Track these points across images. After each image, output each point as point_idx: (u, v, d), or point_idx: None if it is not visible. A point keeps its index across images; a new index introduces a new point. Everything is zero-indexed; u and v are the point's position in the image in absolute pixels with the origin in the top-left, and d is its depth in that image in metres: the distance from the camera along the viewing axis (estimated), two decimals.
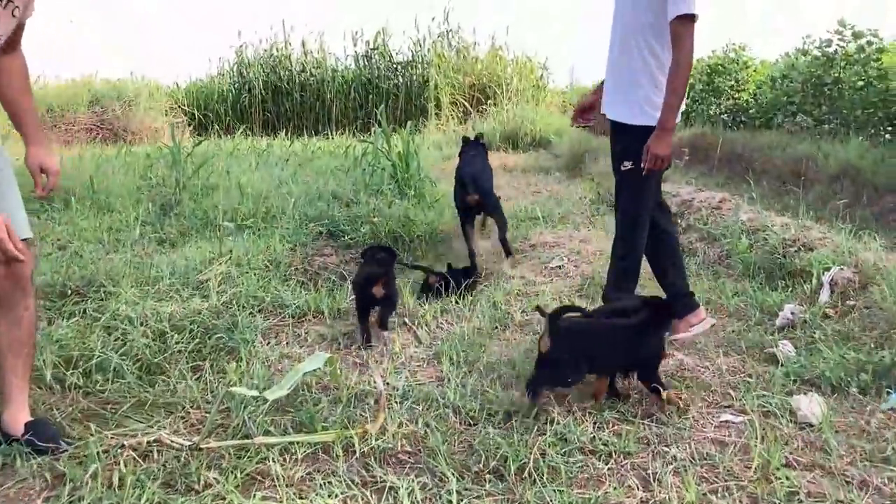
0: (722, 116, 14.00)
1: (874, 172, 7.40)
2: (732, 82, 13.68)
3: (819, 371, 3.19)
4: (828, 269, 4.27)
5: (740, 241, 5.19)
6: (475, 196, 5.77)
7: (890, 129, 9.27)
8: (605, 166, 10.13)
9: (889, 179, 7.15)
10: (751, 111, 12.81)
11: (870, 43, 9.36)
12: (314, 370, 2.90)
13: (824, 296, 4.10)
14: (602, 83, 4.00)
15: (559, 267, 5.38)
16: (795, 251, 4.81)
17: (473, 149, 6.49)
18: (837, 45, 9.87)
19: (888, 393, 3.00)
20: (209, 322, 3.76)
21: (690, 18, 3.35)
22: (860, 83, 9.39)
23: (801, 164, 8.82)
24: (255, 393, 2.67)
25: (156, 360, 3.37)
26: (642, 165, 3.53)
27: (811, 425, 2.75)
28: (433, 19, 21.48)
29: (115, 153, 11.76)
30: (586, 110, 4.26)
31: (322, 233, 6.39)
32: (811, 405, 2.79)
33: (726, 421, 2.82)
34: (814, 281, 4.26)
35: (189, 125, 22.12)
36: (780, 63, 12.72)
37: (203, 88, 23.84)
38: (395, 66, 21.98)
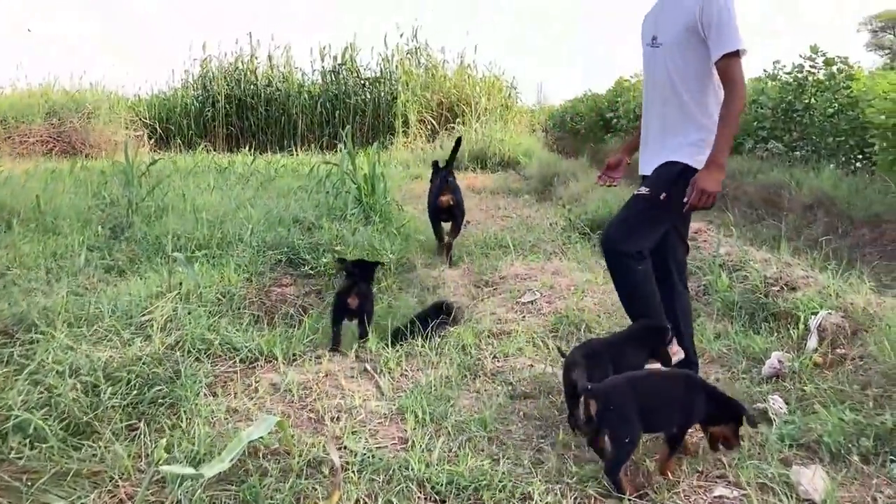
0: None
1: (849, 203, 7.27)
2: None
3: (816, 435, 2.93)
4: (815, 313, 4.05)
5: (720, 279, 4.97)
6: (449, 197, 6.72)
7: (861, 157, 9.19)
8: (574, 190, 9.94)
9: (864, 211, 7.01)
10: None
11: (840, 70, 9.29)
12: (261, 437, 2.58)
13: (812, 343, 3.87)
14: (629, 141, 3.84)
15: (531, 302, 5.11)
16: (778, 290, 4.59)
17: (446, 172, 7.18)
18: (808, 70, 9.81)
19: (892, 461, 2.75)
20: (149, 371, 3.40)
21: (738, 54, 3.15)
22: (830, 110, 9.31)
23: (774, 192, 8.69)
24: (190, 471, 2.32)
25: (85, 418, 3.00)
26: (685, 200, 3.19)
27: (813, 502, 2.49)
28: (401, 36, 21.26)
29: (68, 169, 11.30)
30: (613, 168, 3.94)
31: (281, 261, 6.05)
32: (814, 479, 2.53)
33: (720, 496, 2.55)
34: (800, 326, 4.03)
35: (150, 139, 21.61)
36: (749, 87, 12.67)
37: (166, 101, 23.36)
38: (362, 81, 21.73)
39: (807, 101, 9.88)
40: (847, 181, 7.92)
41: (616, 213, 3.65)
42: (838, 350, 3.74)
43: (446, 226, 6.90)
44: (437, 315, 4.51)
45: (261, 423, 2.55)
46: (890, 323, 3.63)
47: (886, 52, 38.08)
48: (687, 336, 3.56)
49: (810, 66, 9.73)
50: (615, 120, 17.58)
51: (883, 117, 7.63)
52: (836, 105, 9.20)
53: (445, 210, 6.78)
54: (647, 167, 3.53)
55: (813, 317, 4.02)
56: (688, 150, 3.29)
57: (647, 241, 3.34)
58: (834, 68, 9.39)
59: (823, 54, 9.52)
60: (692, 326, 3.68)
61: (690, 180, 3.16)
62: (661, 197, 3.26)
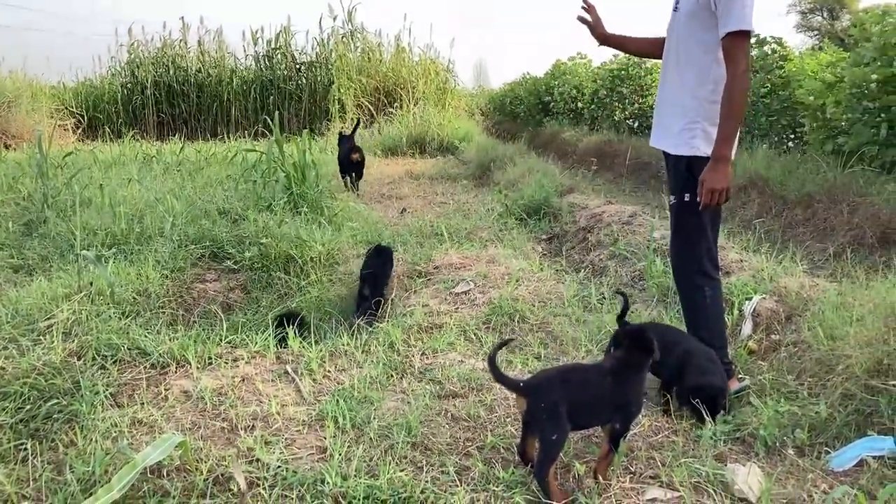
0: (627, 122, 13.95)
1: (782, 183, 7.29)
2: (636, 87, 13.65)
3: (751, 428, 2.84)
4: (749, 298, 3.98)
5: (654, 264, 4.88)
6: (358, 155, 9.88)
7: (792, 136, 9.28)
8: (512, 175, 9.83)
9: (797, 191, 7.04)
10: None
11: (773, 51, 9.33)
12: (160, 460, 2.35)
13: (747, 329, 3.80)
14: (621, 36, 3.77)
15: (465, 293, 4.94)
16: None
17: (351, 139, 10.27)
18: None
19: (827, 452, 2.68)
20: (46, 382, 3.13)
21: (744, 35, 3.00)
22: (763, 90, 9.35)
23: None
24: None
25: None
26: (698, 200, 3.16)
27: (748, 501, 2.38)
28: (335, 19, 20.78)
29: None
30: (592, 28, 3.80)
31: (204, 255, 5.77)
32: (749, 477, 2.43)
33: (653, 499, 2.42)
34: (735, 312, 3.96)
35: (78, 128, 20.77)
36: None
37: (93, 89, 22.49)
38: (297, 66, 21.23)
39: None
40: (780, 161, 7.95)
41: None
42: (772, 336, 3.68)
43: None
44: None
45: (159, 445, 2.34)
46: (823, 307, 3.57)
47: (815, 33, 39.01)
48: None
49: None
50: (552, 103, 17.56)
51: (812, 98, 7.69)
52: (769, 85, 9.25)
53: (355, 164, 9.88)
54: (653, 137, 3.54)
55: (747, 302, 3.95)
56: (684, 136, 3.24)
57: (702, 246, 3.33)
58: (767, 48, 9.43)
59: (756, 35, 9.55)
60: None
61: (699, 179, 3.12)
62: (686, 199, 3.24)
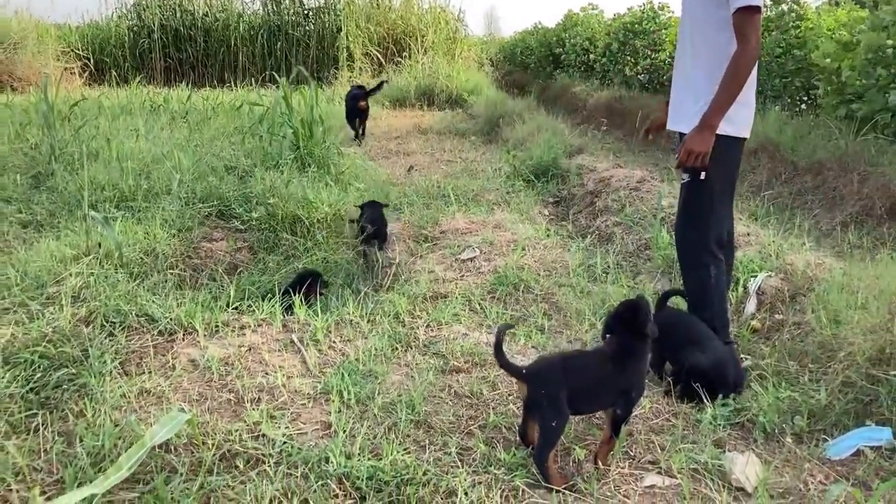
0: (639, 77, 13.76)
1: (793, 149, 7.21)
2: (649, 41, 13.42)
3: (750, 413, 2.88)
4: (754, 275, 3.98)
5: (661, 235, 4.86)
6: (364, 103, 10.68)
7: (806, 98, 9.14)
8: (521, 133, 9.75)
9: (808, 157, 6.97)
10: (668, 74, 12.56)
11: (791, 10, 9.13)
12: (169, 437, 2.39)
13: (751, 307, 3.80)
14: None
15: (470, 260, 4.95)
16: None
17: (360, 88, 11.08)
18: None
19: (824, 440, 2.71)
20: (55, 351, 3.16)
21: (753, 10, 3.00)
22: (779, 50, 9.18)
23: None
24: (80, 495, 2.11)
25: None
26: (676, 155, 3.25)
27: (745, 490, 2.42)
28: None
29: None
30: (659, 128, 3.82)
31: (211, 214, 5.77)
32: (747, 467, 2.46)
33: (651, 486, 2.46)
34: (739, 289, 3.96)
35: (84, 71, 20.56)
36: None
37: (99, 31, 22.23)
38: (305, 12, 20.93)
39: None
40: (791, 125, 7.86)
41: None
42: (776, 316, 3.69)
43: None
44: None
45: (167, 422, 2.38)
46: (828, 288, 3.57)
47: None
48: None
49: None
50: (564, 56, 17.30)
51: (828, 60, 7.54)
52: (784, 45, 9.08)
53: (361, 111, 10.72)
54: (670, 121, 3.53)
55: (752, 279, 3.95)
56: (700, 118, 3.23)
57: (710, 225, 3.34)
58: (784, 6, 9.23)
59: None
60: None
61: (680, 143, 3.21)
62: (701, 177, 3.24)
